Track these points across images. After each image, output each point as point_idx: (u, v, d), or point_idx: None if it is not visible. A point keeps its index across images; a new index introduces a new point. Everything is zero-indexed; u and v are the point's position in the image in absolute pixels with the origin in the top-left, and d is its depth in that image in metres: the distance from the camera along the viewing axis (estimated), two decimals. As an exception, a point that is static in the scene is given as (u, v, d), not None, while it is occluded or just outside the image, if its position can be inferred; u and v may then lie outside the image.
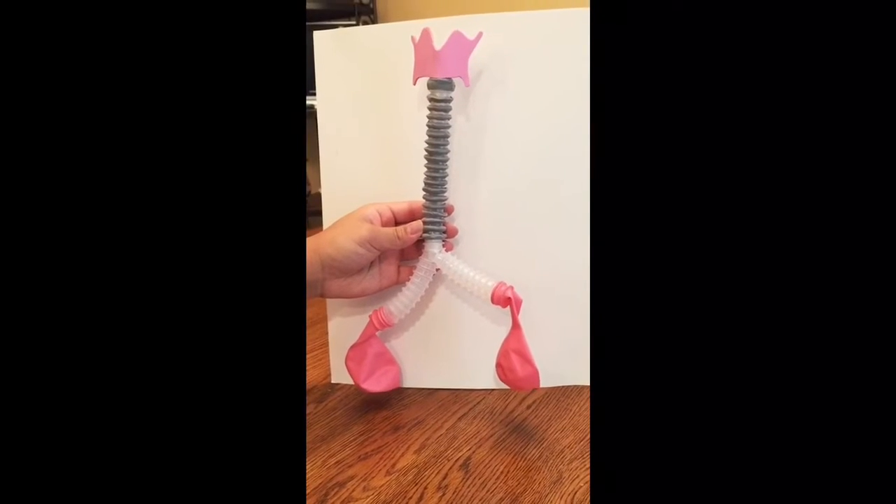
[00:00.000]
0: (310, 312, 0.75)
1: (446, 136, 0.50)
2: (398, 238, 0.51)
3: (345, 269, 0.51)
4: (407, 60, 0.51)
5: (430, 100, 0.50)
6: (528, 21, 0.52)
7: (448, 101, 0.49)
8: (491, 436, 0.51)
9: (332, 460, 0.48)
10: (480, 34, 0.49)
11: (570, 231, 0.54)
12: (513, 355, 0.49)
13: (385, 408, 0.56)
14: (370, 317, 0.54)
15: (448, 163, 0.51)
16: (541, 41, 0.52)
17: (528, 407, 0.55)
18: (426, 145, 0.51)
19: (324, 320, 0.61)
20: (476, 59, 0.50)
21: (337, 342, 0.60)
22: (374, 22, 2.18)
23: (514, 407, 0.55)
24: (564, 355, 0.56)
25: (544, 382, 0.55)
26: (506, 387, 0.57)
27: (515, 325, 0.49)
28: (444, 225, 0.52)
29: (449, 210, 0.53)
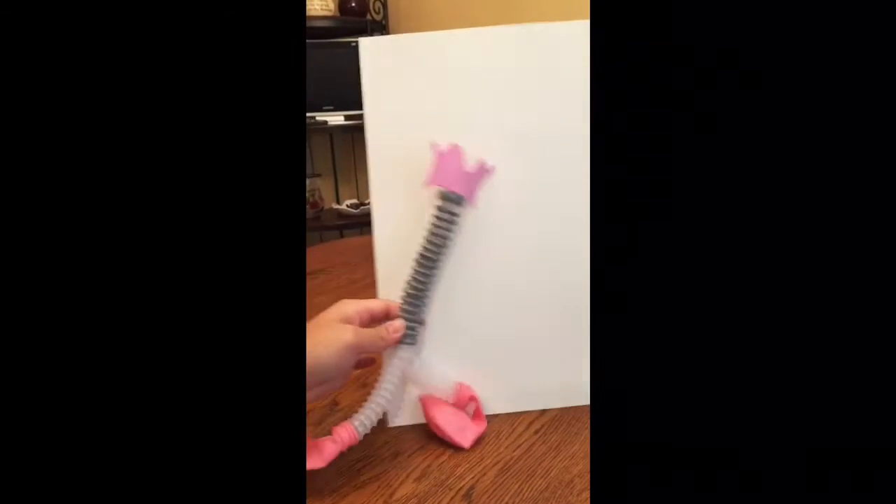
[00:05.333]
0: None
1: (446, 247, 0.48)
2: (381, 339, 0.47)
3: (326, 379, 0.46)
4: (450, 69, 0.50)
5: (440, 209, 0.48)
6: (536, 33, 0.50)
7: (459, 215, 0.48)
8: (496, 463, 0.48)
9: (327, 488, 0.45)
10: (493, 167, 0.50)
11: (576, 247, 0.52)
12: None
13: (386, 431, 0.53)
14: (333, 433, 0.46)
15: (438, 273, 0.49)
16: (547, 53, 0.50)
17: (536, 432, 0.52)
18: (422, 249, 0.48)
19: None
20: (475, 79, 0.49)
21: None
22: (386, 38, 2.19)
23: (521, 432, 0.52)
24: (574, 373, 0.53)
25: (557, 403, 0.53)
26: (516, 410, 0.54)
27: (478, 415, 0.52)
28: (417, 334, 0.49)
29: (423, 322, 0.50)
